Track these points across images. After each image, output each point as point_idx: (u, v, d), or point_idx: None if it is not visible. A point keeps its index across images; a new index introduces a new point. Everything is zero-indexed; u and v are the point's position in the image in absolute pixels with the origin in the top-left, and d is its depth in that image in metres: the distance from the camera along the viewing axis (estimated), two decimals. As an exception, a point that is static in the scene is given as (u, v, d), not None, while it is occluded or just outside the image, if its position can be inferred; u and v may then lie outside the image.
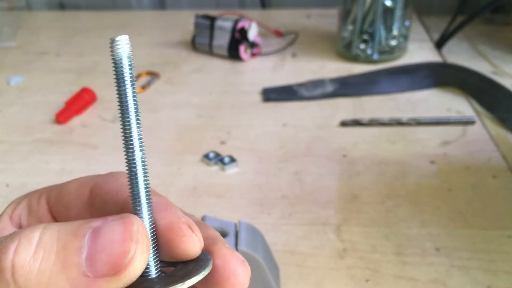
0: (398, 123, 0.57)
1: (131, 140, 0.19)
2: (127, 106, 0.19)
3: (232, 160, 0.51)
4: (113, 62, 0.19)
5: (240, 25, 0.72)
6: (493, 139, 0.54)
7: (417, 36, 0.80)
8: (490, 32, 0.82)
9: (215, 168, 0.51)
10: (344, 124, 0.58)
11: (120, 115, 0.19)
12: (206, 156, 0.52)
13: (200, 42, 0.76)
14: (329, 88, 0.65)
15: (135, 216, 0.18)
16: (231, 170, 0.51)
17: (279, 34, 0.82)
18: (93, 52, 0.79)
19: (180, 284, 0.18)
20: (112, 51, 0.19)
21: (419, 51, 0.75)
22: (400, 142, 0.54)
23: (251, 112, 0.62)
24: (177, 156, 0.53)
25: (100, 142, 0.56)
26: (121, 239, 0.17)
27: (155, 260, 0.19)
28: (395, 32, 0.70)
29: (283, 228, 0.43)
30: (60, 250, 0.17)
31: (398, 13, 0.69)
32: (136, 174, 0.20)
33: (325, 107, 0.62)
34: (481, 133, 0.55)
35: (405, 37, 0.73)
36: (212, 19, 0.74)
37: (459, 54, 0.75)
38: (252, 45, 0.74)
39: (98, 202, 0.22)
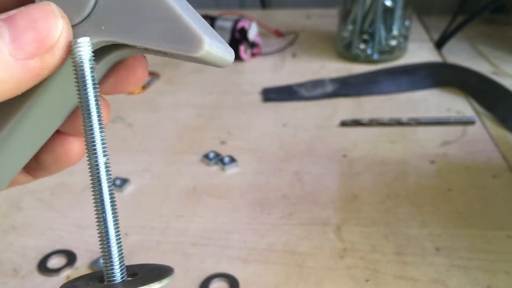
0: (398, 123, 0.57)
1: (94, 145, 0.19)
2: (89, 111, 0.19)
3: (232, 160, 0.51)
4: (73, 65, 0.18)
5: (240, 25, 0.72)
6: (493, 139, 0.54)
7: (417, 36, 0.80)
8: (490, 32, 0.82)
9: (215, 168, 0.51)
10: (344, 124, 0.58)
11: (82, 121, 0.19)
12: (206, 156, 0.52)
13: (200, 42, 0.76)
14: (329, 88, 0.65)
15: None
16: (231, 170, 0.51)
17: (279, 34, 0.82)
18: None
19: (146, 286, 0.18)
20: (72, 53, 0.18)
21: (419, 51, 0.75)
22: (400, 142, 0.54)
23: (251, 112, 0.62)
24: (177, 156, 0.53)
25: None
26: (43, 16, 0.17)
27: (121, 264, 0.19)
28: (395, 32, 0.70)
29: (283, 228, 0.43)
30: None
31: (398, 13, 0.69)
32: (100, 181, 0.19)
33: (325, 107, 0.62)
34: (481, 133, 0.55)
35: (405, 37, 0.73)
36: (212, 19, 0.74)
37: (459, 54, 0.75)
38: (252, 45, 0.74)
39: None
